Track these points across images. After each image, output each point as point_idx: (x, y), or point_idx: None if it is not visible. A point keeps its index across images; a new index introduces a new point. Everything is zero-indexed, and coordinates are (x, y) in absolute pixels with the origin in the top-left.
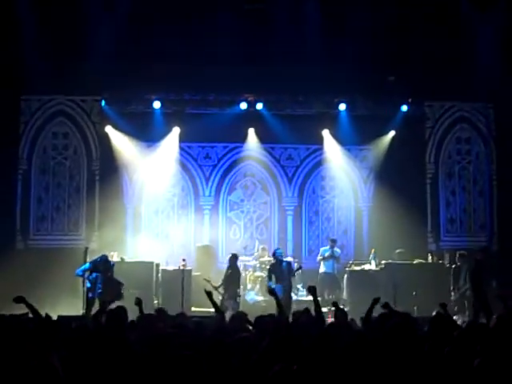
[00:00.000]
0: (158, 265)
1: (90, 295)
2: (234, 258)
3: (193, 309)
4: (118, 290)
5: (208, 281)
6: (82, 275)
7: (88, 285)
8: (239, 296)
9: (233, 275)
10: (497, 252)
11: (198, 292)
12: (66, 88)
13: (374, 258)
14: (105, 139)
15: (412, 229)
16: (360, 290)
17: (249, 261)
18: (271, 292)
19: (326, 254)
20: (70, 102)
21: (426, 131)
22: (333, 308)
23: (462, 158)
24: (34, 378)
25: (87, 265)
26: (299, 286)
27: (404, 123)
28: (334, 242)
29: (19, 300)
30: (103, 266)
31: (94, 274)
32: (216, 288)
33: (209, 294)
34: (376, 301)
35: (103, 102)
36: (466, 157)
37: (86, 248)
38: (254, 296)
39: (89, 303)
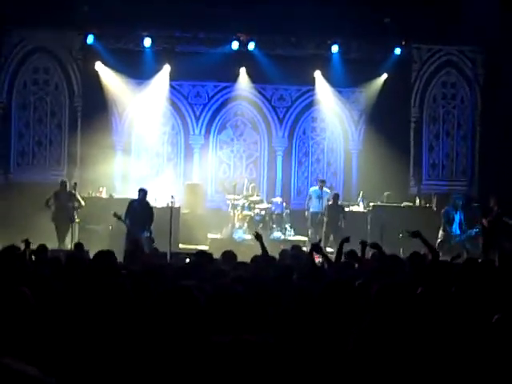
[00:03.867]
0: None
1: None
2: (142, 192)
3: (180, 246)
4: (70, 214)
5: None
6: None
7: None
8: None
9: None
10: (476, 197)
11: (186, 229)
12: (49, 22)
13: (363, 200)
14: (89, 76)
15: (397, 172)
16: (348, 231)
17: (237, 199)
18: (257, 237)
19: (314, 194)
20: (51, 38)
21: (412, 74)
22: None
23: (447, 102)
24: (2, 304)
25: None
26: (287, 226)
27: (395, 67)
28: (322, 182)
29: None
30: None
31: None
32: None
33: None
34: (363, 244)
35: (92, 38)
36: (450, 101)
37: (75, 183)
38: (242, 234)
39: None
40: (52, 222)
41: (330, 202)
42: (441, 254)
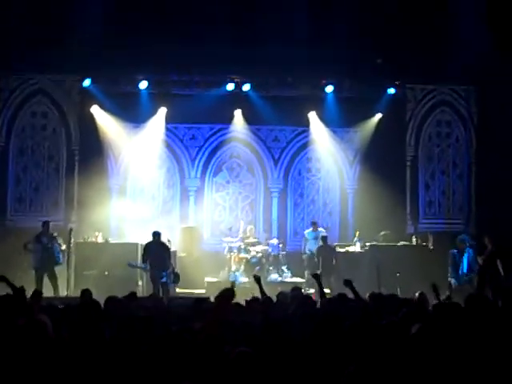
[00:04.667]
0: (142, 246)
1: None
2: (156, 236)
3: (177, 290)
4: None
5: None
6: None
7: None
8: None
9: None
10: (474, 235)
11: (183, 273)
12: (46, 67)
13: (359, 240)
14: (86, 119)
15: (393, 211)
16: (345, 272)
17: (234, 242)
18: (256, 279)
19: (309, 236)
20: (49, 82)
21: (407, 114)
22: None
23: (442, 140)
24: (22, 334)
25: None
26: (284, 268)
27: (389, 106)
28: (315, 224)
29: (0, 279)
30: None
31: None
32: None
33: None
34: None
35: (89, 82)
36: (445, 140)
37: (70, 229)
38: (239, 277)
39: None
40: (32, 269)
41: (320, 244)
42: (448, 294)
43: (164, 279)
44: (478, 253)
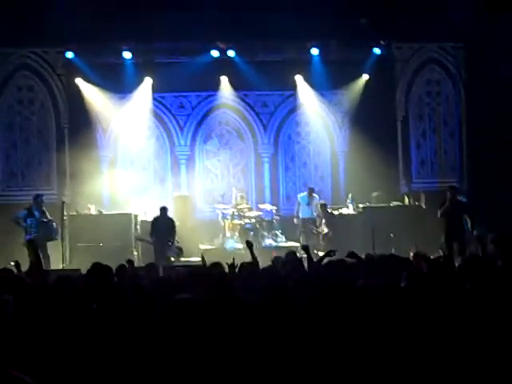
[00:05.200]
0: (136, 216)
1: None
2: (164, 210)
3: (172, 259)
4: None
5: (140, 239)
6: (18, 223)
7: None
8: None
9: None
10: (467, 193)
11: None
12: (28, 40)
13: (352, 202)
14: (72, 92)
15: (385, 172)
16: (338, 235)
17: (227, 209)
18: (248, 245)
19: (302, 201)
20: (33, 55)
21: (395, 74)
22: (303, 252)
23: (432, 99)
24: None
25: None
26: (278, 232)
27: (376, 66)
28: (312, 190)
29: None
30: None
31: (28, 221)
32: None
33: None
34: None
35: (72, 54)
36: (435, 99)
37: (63, 202)
38: (234, 244)
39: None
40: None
41: (318, 210)
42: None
43: (169, 246)
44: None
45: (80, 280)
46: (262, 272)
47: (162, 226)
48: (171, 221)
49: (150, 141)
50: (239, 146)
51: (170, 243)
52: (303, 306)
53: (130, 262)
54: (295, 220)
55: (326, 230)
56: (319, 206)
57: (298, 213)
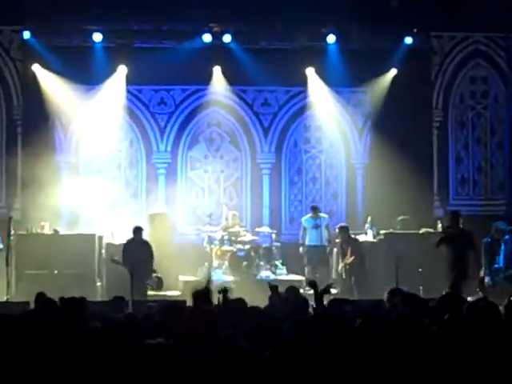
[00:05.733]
0: (101, 238)
1: None
2: (138, 231)
3: (149, 291)
4: None
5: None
6: None
7: None
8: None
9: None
10: None
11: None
12: None
13: (371, 228)
14: (29, 81)
15: (416, 191)
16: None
17: (215, 232)
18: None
19: (308, 224)
20: None
21: (432, 69)
22: (309, 289)
23: (477, 102)
24: None
25: None
26: (277, 263)
27: (408, 59)
28: (315, 209)
29: None
30: None
31: None
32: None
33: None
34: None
35: (29, 34)
36: (481, 101)
37: (10, 217)
38: (222, 276)
39: None
40: None
41: (338, 240)
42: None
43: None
44: None
45: (28, 317)
46: (252, 311)
47: (137, 252)
48: (147, 245)
49: (121, 144)
50: (233, 154)
51: (151, 272)
52: (301, 354)
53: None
54: (300, 248)
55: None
56: (338, 229)
57: (303, 239)
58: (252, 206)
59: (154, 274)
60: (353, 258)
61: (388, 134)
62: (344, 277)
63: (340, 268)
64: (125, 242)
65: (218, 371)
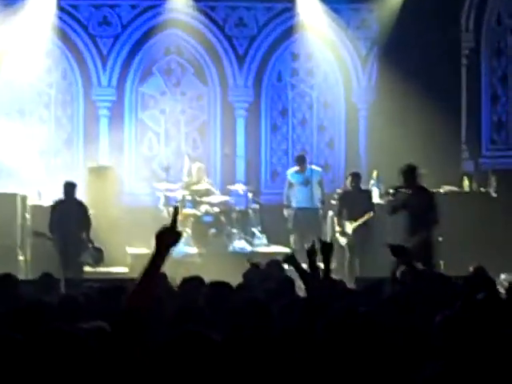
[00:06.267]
0: (24, 198)
1: None
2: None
3: (87, 268)
4: None
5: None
6: None
7: None
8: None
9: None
10: None
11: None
12: None
13: (378, 185)
14: None
15: (437, 139)
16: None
17: (174, 190)
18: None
19: (295, 179)
20: None
21: None
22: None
23: None
24: None
25: None
26: (255, 230)
27: None
28: (302, 160)
29: None
30: None
31: None
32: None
33: (289, 260)
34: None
35: None
36: None
37: None
38: (183, 247)
39: None
40: None
41: (348, 189)
42: None
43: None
44: None
45: None
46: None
47: (68, 216)
48: (83, 207)
49: (51, 77)
50: (198, 90)
51: (88, 242)
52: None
53: None
54: (285, 211)
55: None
56: (350, 177)
57: (288, 199)
58: (223, 157)
59: (90, 245)
60: (369, 214)
61: (400, 63)
62: (350, 244)
63: (349, 230)
64: (52, 203)
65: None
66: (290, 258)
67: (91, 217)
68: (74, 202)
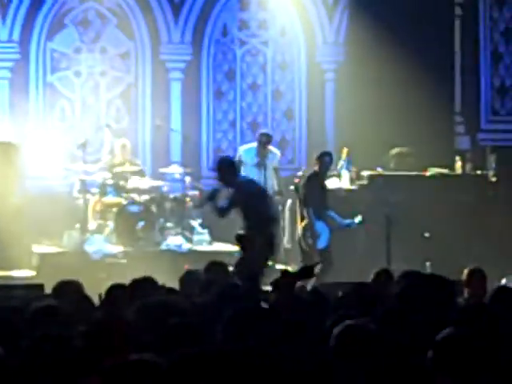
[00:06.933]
0: None
1: None
2: None
3: None
4: None
5: None
6: None
7: None
8: None
9: None
10: None
11: None
12: None
13: (348, 167)
14: None
15: (425, 108)
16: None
17: (92, 173)
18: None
19: (248, 159)
20: None
21: None
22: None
23: None
24: None
25: None
26: (195, 224)
27: None
28: (267, 138)
29: None
30: None
31: None
32: None
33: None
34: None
35: None
36: None
37: None
38: (103, 244)
39: None
40: None
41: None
42: None
43: None
44: None
45: None
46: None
47: None
48: None
49: None
50: (122, 46)
51: None
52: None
53: None
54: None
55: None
56: (318, 157)
57: None
58: (153, 130)
59: None
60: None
61: (377, 14)
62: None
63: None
64: None
65: None
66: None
67: None
68: None
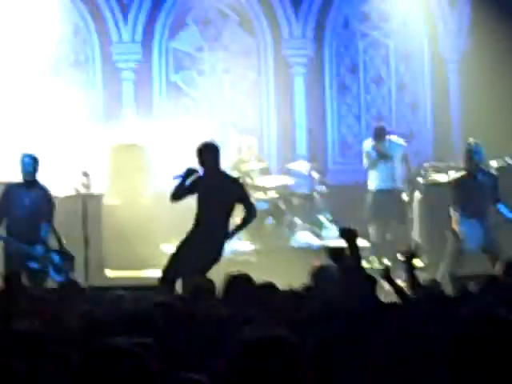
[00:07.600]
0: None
1: None
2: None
3: (108, 272)
4: None
5: None
6: None
7: None
8: None
9: None
10: None
11: (118, 239)
12: None
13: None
14: None
15: None
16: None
17: None
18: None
19: (374, 152)
20: None
21: None
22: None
23: None
24: None
25: None
26: (324, 219)
27: None
28: (381, 132)
29: None
30: None
31: None
32: None
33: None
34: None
35: None
36: None
37: None
38: (234, 243)
39: None
40: None
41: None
42: None
43: (34, 264)
44: None
45: None
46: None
47: (27, 203)
48: (46, 194)
49: (61, 28)
50: (244, 44)
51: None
52: None
53: None
54: (369, 194)
55: None
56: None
57: (369, 177)
58: (279, 126)
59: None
60: None
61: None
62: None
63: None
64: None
65: None
66: (348, 233)
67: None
68: (35, 185)
